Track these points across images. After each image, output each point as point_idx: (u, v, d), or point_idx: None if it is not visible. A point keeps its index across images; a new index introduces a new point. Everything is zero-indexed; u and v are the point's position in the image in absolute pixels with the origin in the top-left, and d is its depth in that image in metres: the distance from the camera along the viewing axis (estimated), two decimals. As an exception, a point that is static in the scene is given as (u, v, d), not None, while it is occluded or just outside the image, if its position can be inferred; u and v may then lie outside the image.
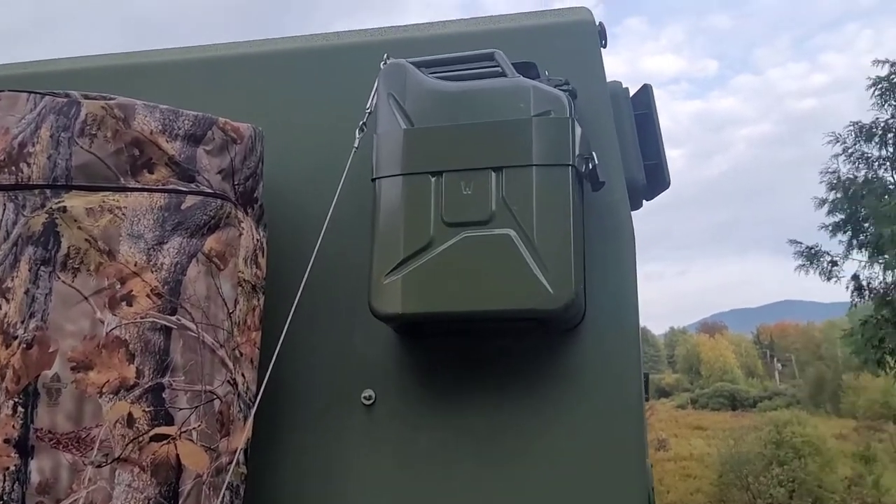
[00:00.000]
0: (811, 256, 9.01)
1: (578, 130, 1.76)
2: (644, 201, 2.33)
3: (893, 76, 8.11)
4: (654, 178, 2.27)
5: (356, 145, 1.90)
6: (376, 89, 1.88)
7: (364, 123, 1.92)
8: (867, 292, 8.56)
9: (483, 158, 1.73)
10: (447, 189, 1.74)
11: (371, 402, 1.88)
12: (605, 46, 2.20)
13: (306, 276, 1.74)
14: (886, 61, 8.26)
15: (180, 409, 1.52)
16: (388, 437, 1.85)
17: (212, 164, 1.69)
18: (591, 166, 1.79)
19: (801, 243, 8.89)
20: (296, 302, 1.70)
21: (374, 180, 1.81)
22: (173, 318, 1.55)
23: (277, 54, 2.25)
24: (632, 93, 2.33)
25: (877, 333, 7.86)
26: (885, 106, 8.27)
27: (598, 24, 2.11)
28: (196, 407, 1.54)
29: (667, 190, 2.31)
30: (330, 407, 1.90)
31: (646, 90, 2.34)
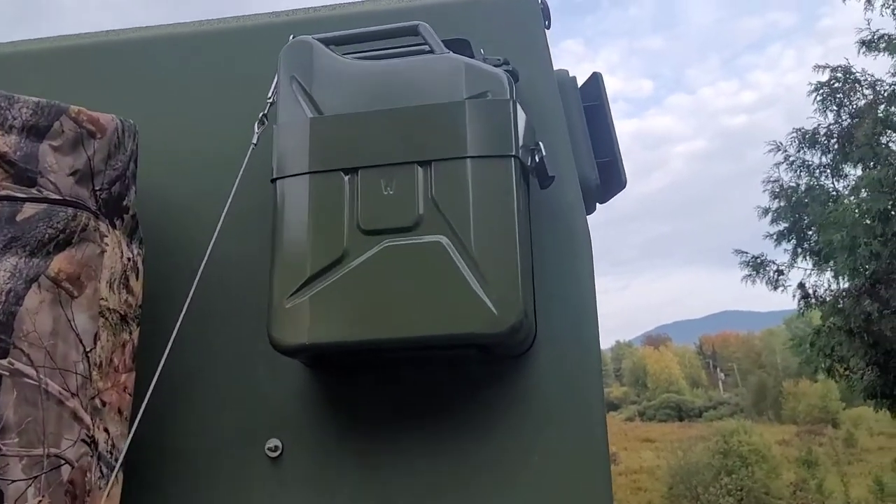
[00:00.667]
0: (757, 266, 8.93)
1: (522, 116, 1.46)
2: (597, 204, 2.05)
3: (834, 81, 8.13)
4: (608, 177, 1.99)
5: (254, 141, 1.57)
6: (277, 73, 1.54)
7: (265, 115, 1.59)
8: (813, 300, 8.51)
9: (407, 151, 1.41)
10: (363, 189, 1.41)
11: (277, 453, 1.53)
12: (548, 27, 1.91)
13: (188, 300, 1.39)
14: (827, 66, 8.30)
15: (13, 481, 1.15)
16: (298, 497, 1.50)
17: (61, 163, 1.33)
18: (537, 158, 1.49)
19: (746, 253, 8.83)
20: (174, 333, 1.34)
21: (273, 181, 1.47)
22: (3, 361, 1.18)
23: (166, 40, 1.90)
24: (580, 83, 2.05)
25: (829, 342, 7.80)
26: (826, 111, 8.30)
27: (540, 1, 1.82)
28: (35, 477, 1.17)
29: (622, 190, 2.03)
30: (226, 462, 1.54)
31: (595, 79, 2.06)
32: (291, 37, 1.63)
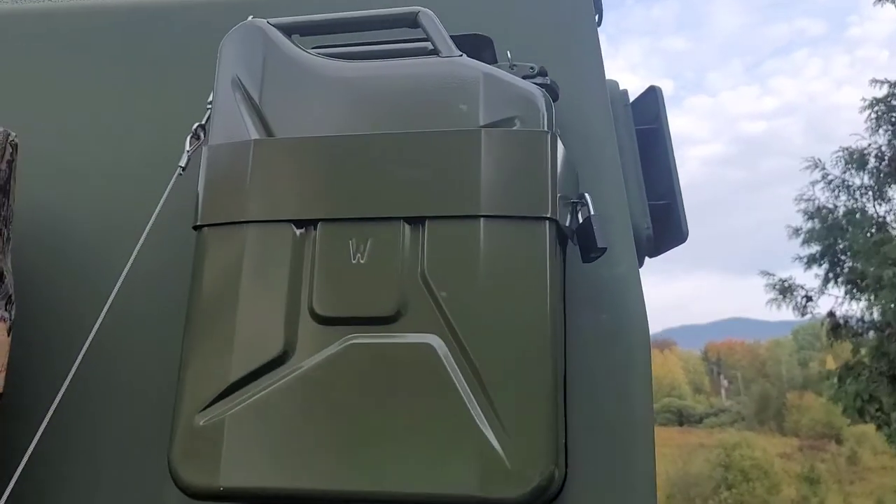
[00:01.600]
0: (784, 290, 8.38)
1: (561, 152, 0.99)
2: (646, 258, 1.58)
3: (892, 98, 7.50)
4: (663, 226, 1.51)
5: (182, 164, 1.10)
6: (216, 72, 1.08)
7: (201, 127, 1.12)
8: (844, 331, 7.95)
9: (391, 200, 0.95)
10: (323, 253, 0.95)
11: None
12: (599, 23, 1.44)
13: (63, 390, 0.94)
14: (885, 81, 7.67)
15: None
16: None
17: None
18: (581, 217, 1.03)
19: (772, 275, 8.26)
20: (40, 429, 0.89)
21: (196, 228, 1.01)
22: None
23: (65, 14, 1.43)
24: (632, 97, 1.58)
25: (868, 387, 7.27)
26: (881, 130, 7.68)
27: None
28: None
29: (681, 244, 1.56)
30: None
31: (654, 95, 1.58)
32: (251, 18, 1.17)
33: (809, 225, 7.75)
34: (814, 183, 7.89)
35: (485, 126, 0.96)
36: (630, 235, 1.15)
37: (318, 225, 0.96)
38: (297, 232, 0.96)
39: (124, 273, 1.03)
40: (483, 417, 0.87)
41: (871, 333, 7.23)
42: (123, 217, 1.20)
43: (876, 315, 6.43)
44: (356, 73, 1.02)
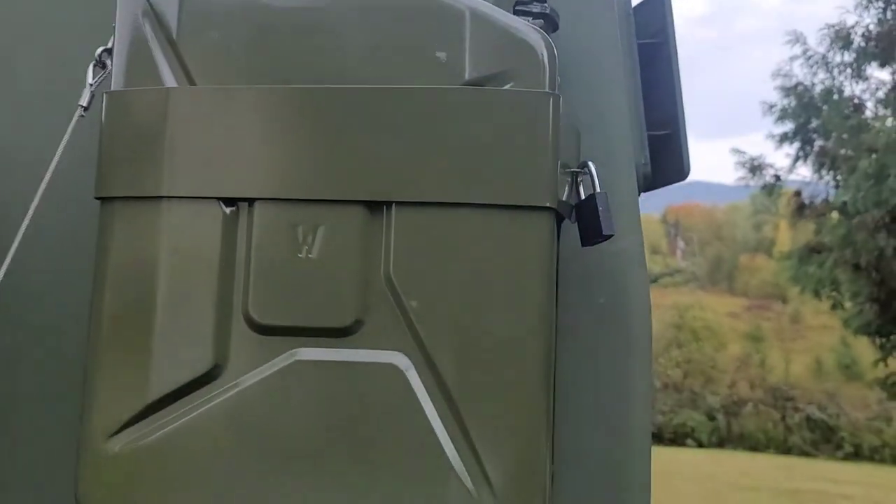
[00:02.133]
0: (754, 168, 8.23)
1: (564, 113, 0.78)
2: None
3: None
4: (663, 159, 1.33)
5: (84, 104, 0.87)
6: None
7: (108, 53, 0.88)
8: (808, 211, 7.94)
9: (348, 177, 0.75)
10: (261, 243, 0.75)
11: None
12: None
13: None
14: None
15: None
16: None
17: None
18: (583, 192, 0.83)
19: (744, 153, 8.07)
20: None
21: (100, 200, 0.80)
22: None
23: None
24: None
25: (832, 274, 7.30)
26: (871, 8, 7.30)
27: None
28: None
29: (681, 181, 1.37)
30: None
31: (660, 2, 1.35)
32: None
33: (785, 102, 7.54)
34: (793, 58, 7.62)
35: (469, 83, 0.74)
36: (636, 203, 0.96)
37: (255, 205, 0.76)
38: (228, 211, 0.76)
39: (13, 249, 0.82)
40: (458, 457, 0.71)
41: (835, 214, 7.24)
42: (10, 178, 0.97)
43: (844, 198, 6.39)
44: (304, 3, 0.78)
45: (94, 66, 0.89)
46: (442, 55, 0.75)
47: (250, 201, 0.76)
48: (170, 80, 0.78)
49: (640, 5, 1.35)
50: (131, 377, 0.75)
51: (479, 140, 0.73)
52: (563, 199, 0.81)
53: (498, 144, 0.73)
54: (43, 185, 0.85)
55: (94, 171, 0.79)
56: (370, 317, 0.74)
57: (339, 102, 0.75)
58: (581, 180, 0.84)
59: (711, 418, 17.74)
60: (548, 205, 0.73)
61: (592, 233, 0.81)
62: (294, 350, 0.74)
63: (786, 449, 17.01)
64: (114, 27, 0.84)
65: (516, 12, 0.87)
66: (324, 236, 0.74)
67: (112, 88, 0.80)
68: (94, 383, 0.76)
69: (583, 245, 0.84)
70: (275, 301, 0.74)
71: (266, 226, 0.75)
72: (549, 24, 0.88)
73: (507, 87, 0.74)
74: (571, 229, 0.85)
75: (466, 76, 0.75)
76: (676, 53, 1.32)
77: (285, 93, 0.76)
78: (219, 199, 0.76)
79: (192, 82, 0.78)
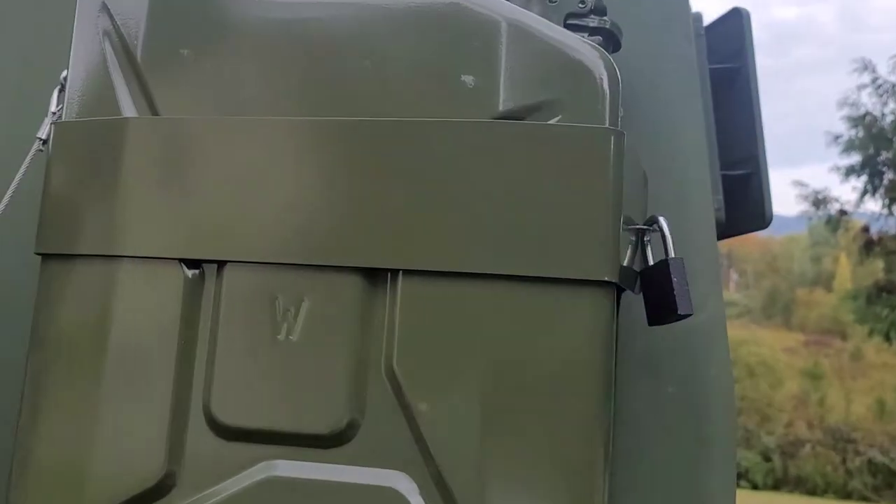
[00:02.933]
0: (818, 202, 7.78)
1: (630, 155, 0.60)
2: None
3: None
4: (738, 204, 1.13)
5: (42, 136, 0.71)
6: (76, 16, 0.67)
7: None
8: (878, 248, 7.48)
9: (341, 236, 0.57)
10: (230, 319, 0.58)
11: None
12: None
13: None
14: None
15: None
16: None
17: None
18: (650, 255, 0.64)
19: (806, 186, 7.65)
20: None
21: (41, 256, 0.64)
22: None
23: None
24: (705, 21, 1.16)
25: None
26: None
27: None
28: None
29: (763, 229, 1.17)
30: None
31: (738, 20, 1.16)
32: None
33: (852, 133, 7.13)
34: (861, 87, 7.22)
35: (504, 115, 0.57)
36: (716, 263, 0.77)
37: (225, 269, 0.59)
38: (190, 275, 0.59)
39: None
40: None
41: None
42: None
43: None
44: (294, 14, 0.62)
45: (60, 91, 0.74)
46: (469, 79, 0.57)
47: (219, 264, 0.59)
48: (129, 108, 0.62)
49: (713, 24, 1.16)
50: (64, 485, 0.59)
51: (515, 190, 0.55)
52: (625, 264, 0.63)
53: (540, 196, 0.55)
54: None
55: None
56: (366, 422, 0.56)
57: (334, 139, 0.58)
58: (649, 240, 0.65)
59: (767, 459, 17.06)
60: (606, 279, 0.54)
61: (664, 310, 0.62)
62: (268, 462, 0.56)
63: (845, 494, 16.24)
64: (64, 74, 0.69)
65: (568, 26, 0.69)
66: (309, 313, 0.57)
67: (65, 118, 0.65)
68: (23, 483, 0.59)
69: (650, 324, 0.65)
70: (245, 396, 0.57)
71: (237, 296, 0.58)
72: (610, 41, 0.70)
73: (553, 120, 0.56)
74: (635, 300, 0.67)
75: (501, 106, 0.57)
76: (756, 80, 1.13)
77: (267, 126, 0.59)
78: (180, 259, 0.59)
79: (155, 112, 0.62)
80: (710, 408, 0.72)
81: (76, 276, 0.61)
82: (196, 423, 0.57)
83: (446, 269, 0.55)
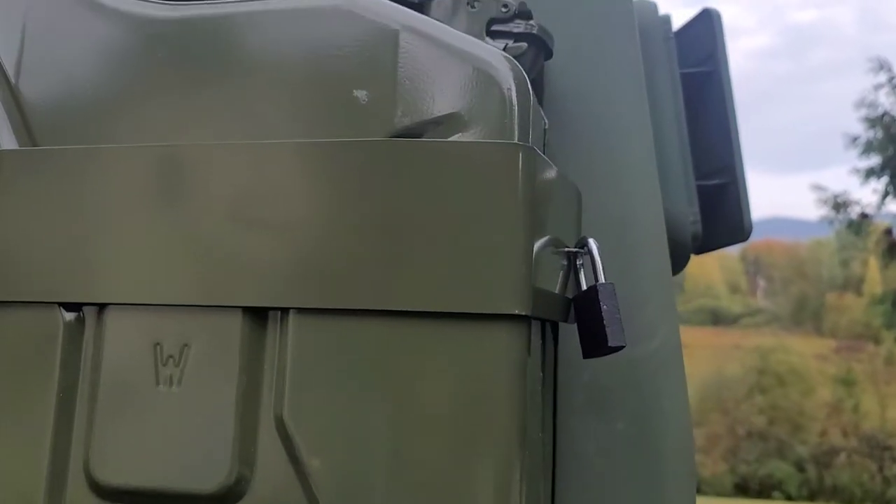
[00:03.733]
0: (838, 206, 7.61)
1: (547, 171, 0.54)
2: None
3: None
4: (715, 215, 1.06)
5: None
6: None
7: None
8: (901, 251, 7.39)
9: (225, 271, 0.52)
10: (112, 365, 0.53)
11: None
12: None
13: None
14: None
15: None
16: None
17: None
18: (583, 280, 0.58)
19: (825, 189, 7.49)
20: None
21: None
22: None
23: None
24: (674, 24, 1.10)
25: None
26: None
27: None
28: None
29: (742, 242, 1.10)
30: None
31: (708, 21, 1.10)
32: None
33: (870, 133, 6.99)
34: (877, 87, 7.06)
35: (400, 133, 0.51)
36: (670, 285, 0.70)
37: (106, 312, 0.54)
38: (69, 318, 0.54)
39: None
40: None
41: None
42: None
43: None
44: (177, 21, 0.57)
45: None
46: (362, 94, 0.52)
47: (99, 307, 0.54)
48: (6, 137, 0.57)
49: (684, 27, 1.10)
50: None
51: (414, 215, 0.49)
52: (556, 290, 0.56)
53: (441, 221, 0.49)
54: None
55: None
56: (256, 478, 0.50)
57: (216, 166, 0.52)
58: (581, 264, 0.59)
59: (801, 469, 16.70)
60: (516, 311, 0.48)
61: (595, 341, 0.56)
62: (152, 530, 0.51)
63: (884, 503, 15.82)
64: None
65: (491, 33, 0.63)
66: (193, 359, 0.51)
67: (-55, 153, 0.60)
68: None
69: (584, 356, 0.58)
70: (126, 452, 0.52)
71: (118, 342, 0.53)
72: (539, 47, 0.65)
73: (455, 136, 0.51)
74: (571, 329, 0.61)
75: (397, 123, 0.51)
76: (730, 84, 1.06)
77: (143, 153, 0.54)
78: (58, 303, 0.54)
79: (32, 140, 0.57)
80: (666, 445, 0.65)
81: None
82: (75, 481, 0.52)
83: (339, 307, 0.49)
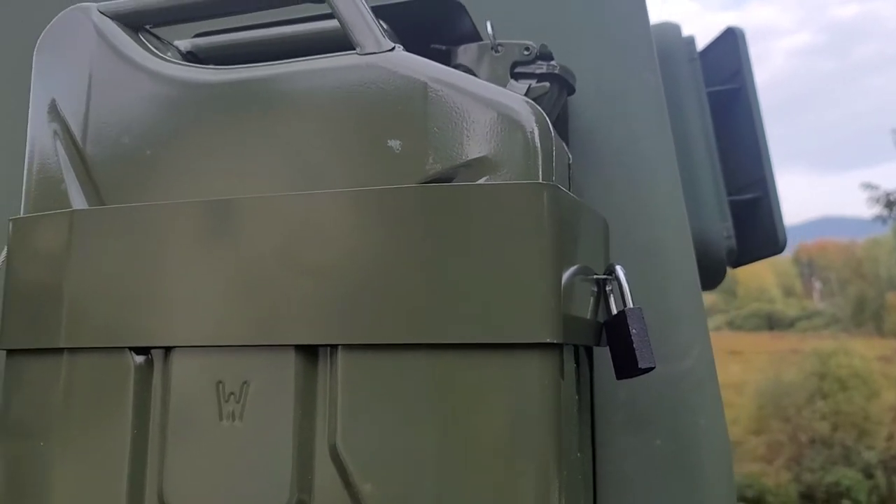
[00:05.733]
0: (890, 204, 7.43)
1: (570, 205, 0.57)
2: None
3: None
4: (749, 229, 1.08)
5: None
6: (31, 92, 0.70)
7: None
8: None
9: (279, 313, 0.56)
10: (180, 404, 0.58)
11: None
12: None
13: None
14: None
15: None
16: None
17: None
18: (614, 305, 0.61)
19: (876, 188, 7.34)
20: None
21: (7, 352, 0.65)
22: None
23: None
24: (700, 44, 1.13)
25: None
26: None
27: None
28: None
29: (777, 254, 1.12)
30: None
31: (732, 40, 1.12)
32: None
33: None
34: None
35: (432, 179, 0.55)
36: (700, 303, 0.73)
37: (172, 354, 0.59)
38: (139, 361, 0.59)
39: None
40: None
41: None
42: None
43: None
44: (227, 84, 0.62)
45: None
46: (395, 143, 0.56)
47: (166, 350, 0.59)
48: (77, 198, 0.63)
49: (708, 48, 1.13)
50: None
51: (449, 255, 0.53)
52: (588, 316, 0.60)
53: (474, 259, 0.53)
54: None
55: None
56: (316, 497, 0.54)
57: (269, 217, 0.57)
58: (611, 290, 0.62)
59: (869, 476, 16.14)
60: (547, 340, 0.52)
61: (627, 363, 0.59)
62: (219, 549, 0.55)
63: (959, 508, 15.19)
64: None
65: (516, 75, 0.67)
66: (253, 395, 0.56)
67: (22, 211, 0.66)
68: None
69: (618, 378, 0.62)
70: (195, 482, 0.56)
71: (185, 382, 0.58)
72: (562, 85, 0.68)
73: (484, 178, 0.55)
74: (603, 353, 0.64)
75: (429, 169, 0.55)
76: (757, 99, 1.09)
77: (201, 207, 0.59)
78: (129, 347, 0.59)
79: (100, 200, 0.63)
80: (703, 460, 0.68)
81: (36, 369, 0.62)
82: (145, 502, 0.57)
83: (382, 342, 0.54)
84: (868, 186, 7.51)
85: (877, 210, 7.45)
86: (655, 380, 0.68)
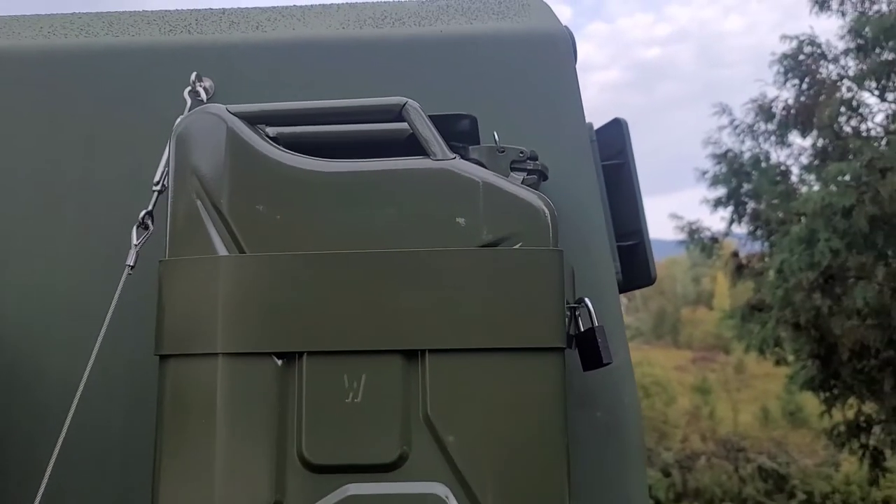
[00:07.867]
0: (692, 232, 8.68)
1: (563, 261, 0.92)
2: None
3: (800, 54, 7.67)
4: (629, 268, 1.48)
5: (131, 263, 0.97)
6: (167, 164, 0.94)
7: (149, 215, 0.99)
8: (746, 271, 8.40)
9: (385, 329, 0.86)
10: (311, 391, 0.86)
11: None
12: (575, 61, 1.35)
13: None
14: (795, 37, 7.80)
15: None
16: None
17: None
18: (581, 324, 0.96)
19: (681, 218, 8.52)
20: None
21: (161, 357, 0.90)
22: None
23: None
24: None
25: (774, 333, 7.78)
26: (787, 84, 7.89)
27: (567, 31, 1.26)
28: None
29: (648, 286, 1.53)
30: None
31: (618, 127, 1.52)
32: (194, 78, 1.03)
33: (716, 168, 8.05)
34: (721, 128, 8.14)
35: (486, 245, 0.87)
36: (622, 323, 1.10)
37: (304, 357, 0.86)
38: (280, 363, 0.86)
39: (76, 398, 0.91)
40: (498, 574, 0.82)
41: (771, 273, 7.63)
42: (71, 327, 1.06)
43: (781, 258, 6.80)
44: (337, 174, 0.91)
45: (138, 227, 1.00)
46: (461, 220, 0.88)
47: (300, 354, 0.86)
48: (220, 247, 0.89)
49: (600, 130, 1.52)
50: (197, 516, 0.84)
51: (498, 293, 0.86)
52: (570, 331, 0.94)
53: (514, 296, 0.86)
54: (99, 340, 0.94)
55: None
56: (412, 453, 0.84)
57: (375, 264, 0.87)
58: (579, 314, 0.97)
59: (667, 474, 17.75)
60: (559, 345, 0.85)
61: (593, 361, 0.94)
62: (346, 486, 0.84)
63: (741, 501, 17.04)
64: (154, 189, 0.96)
65: (513, 169, 1.01)
66: (367, 382, 0.85)
67: (167, 256, 0.91)
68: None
69: (584, 370, 0.97)
70: (326, 442, 0.85)
71: (315, 375, 0.86)
72: (541, 177, 1.03)
73: (516, 246, 0.88)
74: (571, 354, 0.98)
75: (483, 238, 0.88)
76: (636, 171, 1.49)
77: (326, 257, 0.87)
78: (272, 353, 0.86)
79: (239, 248, 0.89)
80: (628, 426, 1.04)
81: (190, 368, 0.87)
82: (292, 463, 0.84)
83: (457, 347, 0.85)
84: (674, 217, 8.61)
85: (682, 237, 8.59)
86: (597, 372, 1.04)
